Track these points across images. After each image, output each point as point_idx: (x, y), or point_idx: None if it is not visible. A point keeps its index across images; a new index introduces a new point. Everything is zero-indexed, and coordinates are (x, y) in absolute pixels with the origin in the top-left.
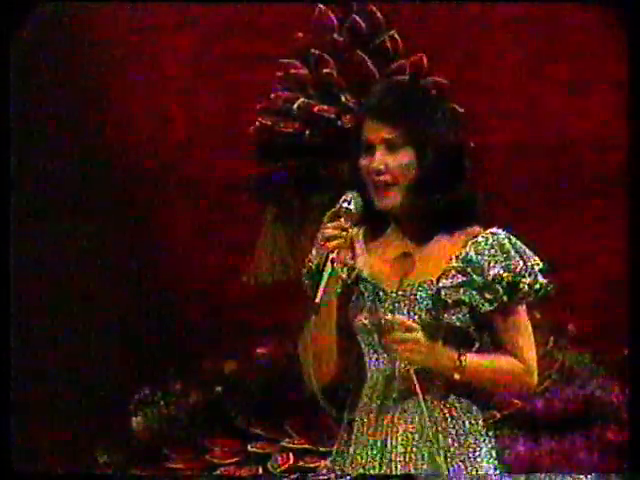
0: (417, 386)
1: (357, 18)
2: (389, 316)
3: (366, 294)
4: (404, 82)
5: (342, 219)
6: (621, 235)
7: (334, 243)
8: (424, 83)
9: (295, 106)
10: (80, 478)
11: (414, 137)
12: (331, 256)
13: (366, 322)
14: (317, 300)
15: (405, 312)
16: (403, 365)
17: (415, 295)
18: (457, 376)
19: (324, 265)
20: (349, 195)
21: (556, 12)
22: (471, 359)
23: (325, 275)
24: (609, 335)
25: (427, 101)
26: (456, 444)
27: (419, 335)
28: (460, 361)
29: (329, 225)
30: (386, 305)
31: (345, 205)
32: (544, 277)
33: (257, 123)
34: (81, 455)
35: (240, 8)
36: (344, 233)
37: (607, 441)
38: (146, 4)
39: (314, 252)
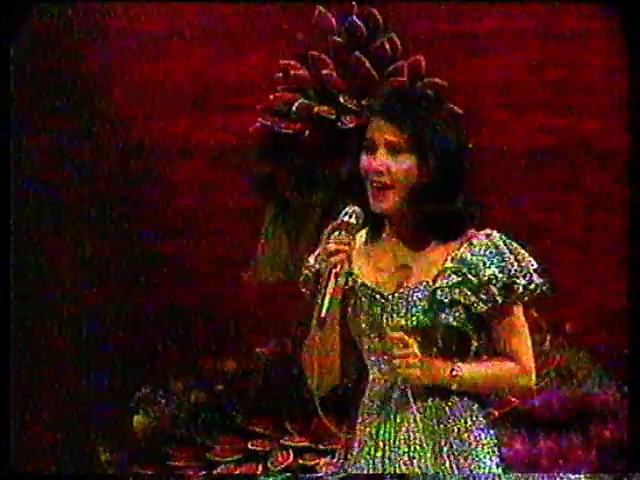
0: (413, 405)
1: (356, 20)
2: (388, 334)
3: (364, 299)
4: (415, 88)
5: (344, 233)
6: (620, 234)
7: (337, 258)
8: (422, 84)
9: (294, 107)
10: (80, 478)
11: (418, 144)
12: (334, 271)
13: (365, 326)
14: (322, 315)
15: (403, 315)
16: (401, 383)
17: (412, 297)
18: (454, 387)
19: (327, 280)
20: (350, 209)
21: (556, 12)
22: (465, 370)
23: (329, 290)
24: (607, 334)
25: (435, 110)
26: (458, 441)
27: (416, 350)
28: (455, 373)
29: (331, 240)
30: (384, 309)
31: (346, 219)
32: (540, 277)
33: (257, 124)
34: (82, 454)
35: (240, 9)
36: (346, 248)
37: (605, 440)
38: (145, 6)
39: (312, 260)
